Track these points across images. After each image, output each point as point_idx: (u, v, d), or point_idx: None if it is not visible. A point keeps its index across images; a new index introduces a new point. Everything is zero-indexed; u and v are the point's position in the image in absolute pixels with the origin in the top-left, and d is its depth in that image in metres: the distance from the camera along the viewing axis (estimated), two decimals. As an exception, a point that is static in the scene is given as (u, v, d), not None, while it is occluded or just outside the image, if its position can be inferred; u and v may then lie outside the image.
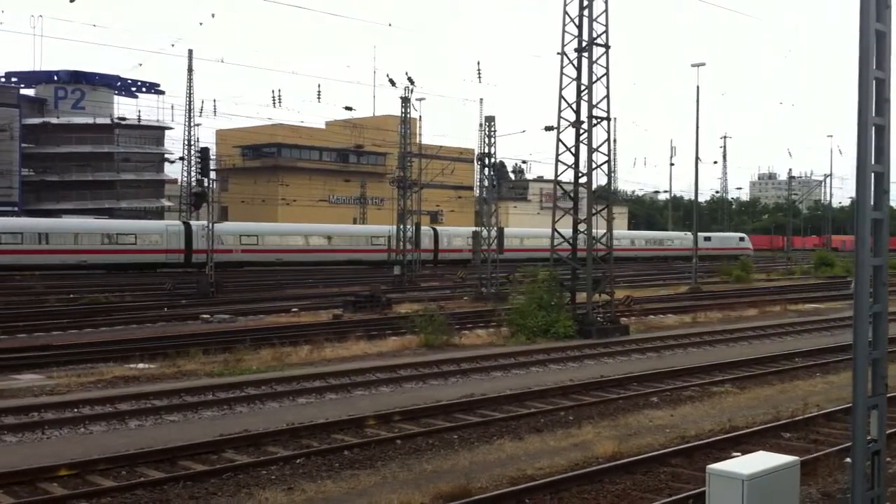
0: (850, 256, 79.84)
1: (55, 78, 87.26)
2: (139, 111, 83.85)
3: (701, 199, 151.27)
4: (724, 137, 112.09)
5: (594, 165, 25.55)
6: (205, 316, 29.87)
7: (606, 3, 25.69)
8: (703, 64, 45.96)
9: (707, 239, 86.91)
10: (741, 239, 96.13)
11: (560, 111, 26.28)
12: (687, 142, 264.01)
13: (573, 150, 26.27)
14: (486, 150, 38.36)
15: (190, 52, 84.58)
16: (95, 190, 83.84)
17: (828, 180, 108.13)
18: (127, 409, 14.67)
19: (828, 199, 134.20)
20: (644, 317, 30.61)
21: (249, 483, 10.58)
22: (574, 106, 26.12)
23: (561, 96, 26.23)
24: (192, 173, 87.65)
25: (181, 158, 77.11)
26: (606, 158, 26.03)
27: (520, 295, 26.10)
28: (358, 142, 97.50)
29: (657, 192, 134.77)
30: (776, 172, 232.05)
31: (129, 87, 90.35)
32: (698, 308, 33.37)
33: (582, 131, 26.03)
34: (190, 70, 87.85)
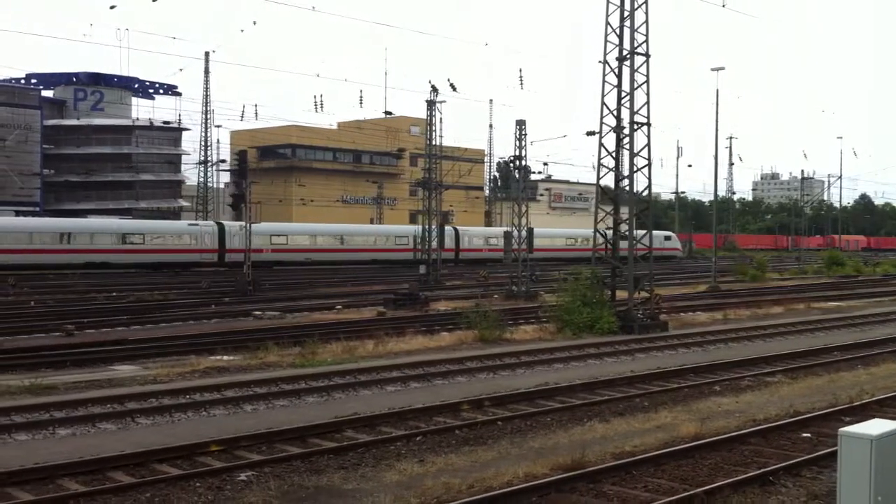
0: (856, 256, 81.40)
1: (74, 79, 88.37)
2: (150, 113, 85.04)
3: (703, 199, 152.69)
4: (730, 138, 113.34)
5: (636, 169, 26.82)
6: (256, 313, 31.14)
7: (647, 14, 26.99)
8: (722, 68, 47.34)
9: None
10: (666, 238, 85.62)
11: (602, 117, 27.57)
12: (689, 142, 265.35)
13: (614, 154, 27.53)
14: (518, 153, 39.58)
15: (206, 54, 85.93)
16: (115, 190, 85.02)
17: (831, 180, 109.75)
18: (234, 395, 15.89)
19: (829, 199, 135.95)
20: (676, 314, 31.86)
21: (386, 456, 11.84)
22: (615, 112, 27.40)
23: (603, 103, 27.51)
24: (209, 174, 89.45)
25: (203, 162, 78.37)
26: (647, 162, 27.29)
27: (563, 293, 27.29)
28: (367, 143, 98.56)
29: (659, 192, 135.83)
30: (778, 172, 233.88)
31: (146, 89, 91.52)
32: (726, 306, 34.62)
33: (622, 136, 27.31)
34: (206, 72, 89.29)
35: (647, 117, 27.06)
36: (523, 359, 20.93)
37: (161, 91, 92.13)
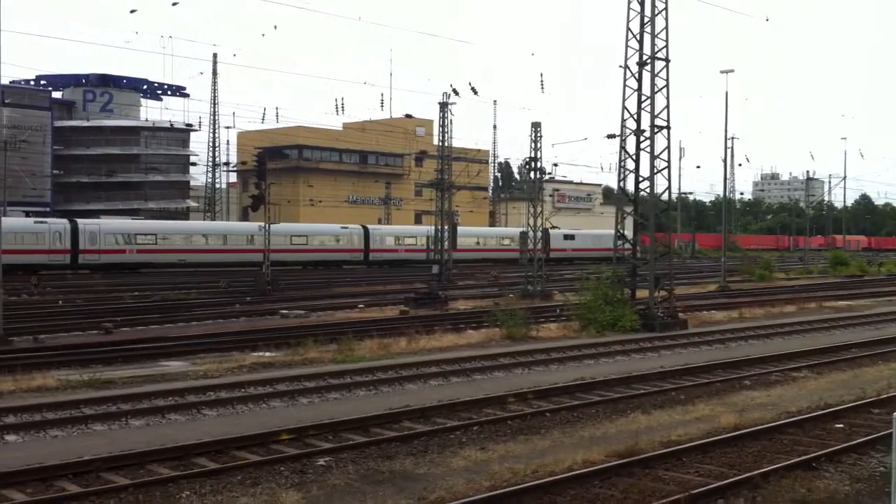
0: (858, 256, 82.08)
1: (83, 81, 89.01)
2: (160, 114, 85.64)
3: (705, 199, 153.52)
4: (733, 138, 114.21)
5: (656, 170, 27.54)
6: (283, 312, 31.84)
7: (667, 20, 27.70)
8: (731, 70, 48.06)
9: (569, 238, 78.56)
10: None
11: (623, 121, 28.30)
12: (693, 142, 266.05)
13: (634, 157, 28.25)
14: (533, 155, 40.28)
15: (214, 55, 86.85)
16: (124, 191, 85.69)
17: (833, 181, 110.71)
18: (286, 389, 16.59)
19: (830, 199, 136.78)
20: (692, 313, 32.56)
21: (449, 444, 12.56)
22: (635, 116, 28.11)
23: (624, 107, 28.23)
24: (216, 175, 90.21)
25: (215, 164, 79.06)
26: (666, 164, 28.01)
27: (585, 292, 28.01)
28: (374, 144, 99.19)
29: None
30: (779, 172, 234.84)
31: (154, 91, 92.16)
32: (739, 305, 35.35)
33: (642, 139, 28.02)
34: (214, 74, 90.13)
35: (668, 121, 27.78)
36: (553, 355, 21.64)
37: (169, 93, 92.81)
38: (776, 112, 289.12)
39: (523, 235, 46.52)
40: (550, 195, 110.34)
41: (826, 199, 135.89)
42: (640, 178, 28.26)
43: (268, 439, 12.60)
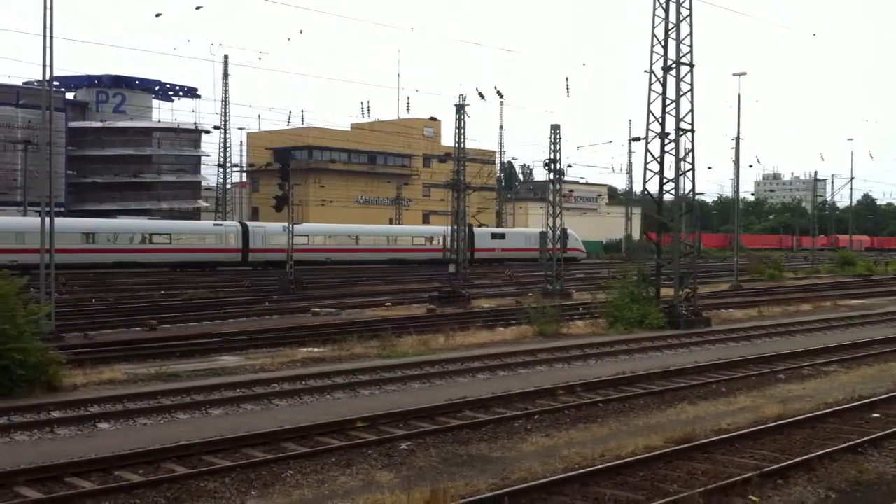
0: (861, 256, 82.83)
1: (96, 82, 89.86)
2: (171, 115, 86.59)
3: (707, 199, 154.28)
4: (737, 139, 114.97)
5: (681, 172, 28.39)
6: (315, 310, 32.68)
7: (691, 26, 28.55)
8: (744, 73, 49.01)
9: (499, 237, 73.83)
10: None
11: (648, 124, 29.12)
12: (701, 143, 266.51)
13: (658, 159, 29.09)
14: (552, 157, 41.12)
15: (225, 57, 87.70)
16: (137, 191, 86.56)
17: (836, 181, 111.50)
18: (343, 382, 17.39)
19: (833, 199, 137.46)
20: (711, 311, 33.38)
21: (515, 431, 13.41)
22: (660, 119, 28.95)
23: (649, 110, 29.06)
24: (228, 176, 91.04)
25: (223, 165, 79.98)
26: (690, 166, 28.85)
27: (612, 290, 28.87)
28: (384, 144, 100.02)
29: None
30: (780, 172, 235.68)
31: (166, 92, 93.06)
32: (756, 304, 36.20)
33: (667, 141, 28.86)
34: (225, 75, 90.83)
35: (692, 124, 28.62)
36: (588, 351, 22.48)
37: (181, 94, 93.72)
38: (776, 112, 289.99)
39: (543, 235, 47.30)
40: (543, 192, 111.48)
41: (830, 199, 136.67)
42: (665, 180, 29.09)
43: (345, 426, 13.43)
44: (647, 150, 29.21)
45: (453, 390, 16.89)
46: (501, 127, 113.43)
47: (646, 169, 29.23)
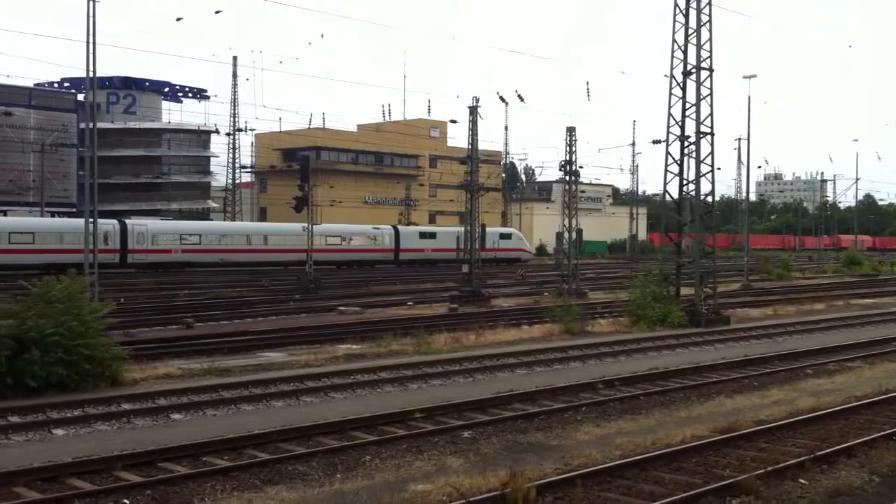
0: (867, 256, 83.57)
1: (107, 83, 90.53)
2: (181, 117, 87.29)
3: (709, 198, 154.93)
4: (739, 139, 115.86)
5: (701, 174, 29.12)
6: (341, 308, 33.39)
7: (711, 31, 29.29)
8: (754, 76, 49.66)
9: (428, 236, 67.95)
10: (503, 237, 73.60)
11: (668, 127, 29.85)
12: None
13: (679, 161, 29.83)
14: (568, 159, 41.83)
15: (234, 59, 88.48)
16: (147, 192, 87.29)
17: (833, 182, 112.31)
18: (389, 377, 18.12)
19: (834, 200, 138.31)
20: (729, 310, 34.11)
21: (567, 422, 14.15)
22: (680, 122, 29.69)
23: (669, 114, 29.80)
24: (236, 177, 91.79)
25: (232, 166, 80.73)
26: (710, 168, 29.59)
27: (634, 290, 29.61)
28: (389, 145, 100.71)
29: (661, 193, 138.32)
30: (781, 173, 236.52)
31: (175, 93, 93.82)
32: (770, 303, 36.94)
33: (686, 144, 29.59)
34: (234, 76, 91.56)
35: (711, 128, 29.35)
36: (616, 348, 23.19)
37: (190, 95, 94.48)
38: (778, 113, 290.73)
39: (559, 236, 48.01)
40: (547, 193, 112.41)
41: (832, 199, 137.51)
42: (685, 182, 29.82)
43: (405, 417, 14.16)
44: (667, 153, 29.95)
45: (497, 384, 17.61)
46: (507, 128, 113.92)
47: (666, 171, 29.96)
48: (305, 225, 45.38)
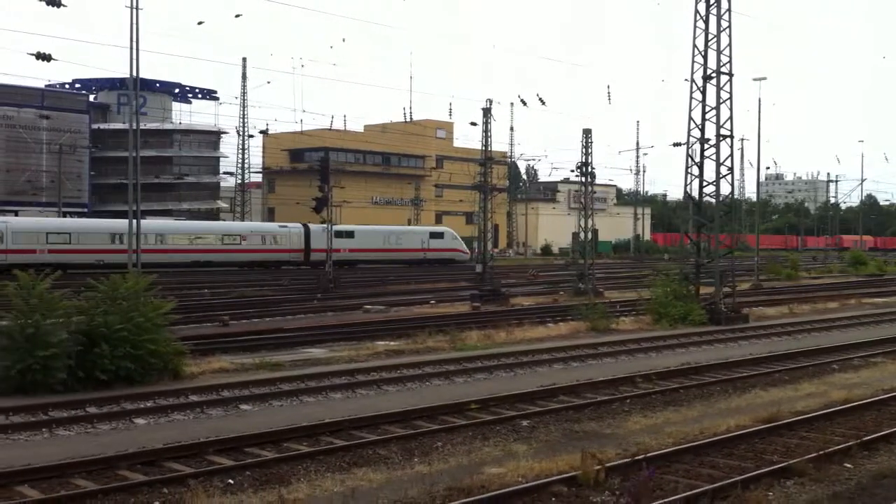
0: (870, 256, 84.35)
1: (118, 84, 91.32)
2: (191, 118, 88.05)
3: (710, 200, 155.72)
4: (742, 139, 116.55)
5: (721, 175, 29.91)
6: (367, 307, 34.16)
7: (731, 36, 30.07)
8: (764, 78, 50.50)
9: (345, 235, 62.78)
10: (434, 236, 71.23)
11: (689, 130, 30.64)
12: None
13: (699, 163, 30.63)
14: (584, 160, 42.61)
15: (244, 59, 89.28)
16: (158, 192, 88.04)
17: (836, 182, 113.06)
18: (433, 371, 18.88)
19: (836, 200, 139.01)
20: (746, 308, 34.88)
21: (615, 412, 14.93)
22: (700, 125, 30.48)
23: (690, 117, 30.57)
24: (245, 177, 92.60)
25: (242, 167, 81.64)
26: (729, 170, 30.37)
27: (656, 288, 30.42)
28: (396, 145, 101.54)
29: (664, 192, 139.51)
30: (783, 173, 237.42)
31: (185, 94, 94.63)
32: (784, 301, 37.72)
33: (707, 146, 30.39)
34: (244, 77, 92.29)
35: (731, 130, 30.17)
36: (644, 344, 23.96)
37: (200, 96, 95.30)
38: (781, 113, 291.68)
39: (575, 236, 48.76)
40: (552, 193, 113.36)
41: (834, 200, 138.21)
42: (705, 183, 30.61)
43: (461, 408, 14.95)
44: (688, 156, 30.73)
45: (538, 379, 18.38)
46: (512, 129, 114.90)
47: (687, 173, 30.75)
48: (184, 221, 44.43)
